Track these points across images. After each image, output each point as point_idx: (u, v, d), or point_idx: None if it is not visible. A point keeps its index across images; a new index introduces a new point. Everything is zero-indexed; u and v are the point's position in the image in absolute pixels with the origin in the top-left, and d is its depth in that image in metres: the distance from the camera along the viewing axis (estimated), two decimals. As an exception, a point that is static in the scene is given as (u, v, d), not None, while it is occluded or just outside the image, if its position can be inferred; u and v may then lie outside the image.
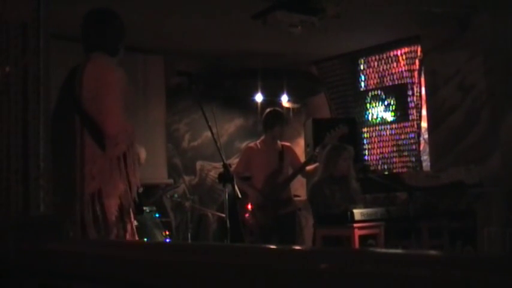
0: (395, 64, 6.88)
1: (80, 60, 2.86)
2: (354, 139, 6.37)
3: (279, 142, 5.03)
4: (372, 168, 6.93)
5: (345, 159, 4.84)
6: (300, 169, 4.94)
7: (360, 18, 5.64)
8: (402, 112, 6.83)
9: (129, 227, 2.75)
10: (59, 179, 2.67)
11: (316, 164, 4.92)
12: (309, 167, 4.94)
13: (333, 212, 4.69)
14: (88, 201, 2.65)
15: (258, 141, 5.09)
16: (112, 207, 2.68)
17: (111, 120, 2.66)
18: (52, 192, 2.50)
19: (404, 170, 6.67)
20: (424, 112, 6.48)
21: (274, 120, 4.98)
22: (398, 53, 6.82)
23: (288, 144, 5.17)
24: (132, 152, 2.73)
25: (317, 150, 4.94)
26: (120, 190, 2.70)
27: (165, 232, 5.59)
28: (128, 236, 2.75)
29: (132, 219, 2.80)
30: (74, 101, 2.72)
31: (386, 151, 6.99)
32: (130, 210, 2.76)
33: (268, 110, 5.12)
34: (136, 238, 2.88)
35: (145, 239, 5.19)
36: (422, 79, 6.51)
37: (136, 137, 2.79)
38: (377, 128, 7.11)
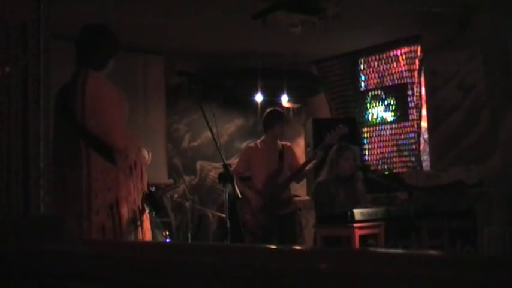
0: (395, 64, 6.87)
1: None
2: (354, 139, 6.37)
3: (279, 142, 5.03)
4: (372, 168, 6.93)
5: (346, 159, 4.84)
6: (299, 170, 4.94)
7: (360, 18, 5.64)
8: (402, 112, 6.82)
9: (139, 230, 2.80)
10: (65, 196, 2.71)
11: (312, 163, 4.92)
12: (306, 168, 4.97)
13: (336, 212, 4.69)
14: (108, 212, 2.71)
15: (258, 141, 5.09)
16: (126, 213, 2.76)
17: (116, 134, 2.74)
18: (59, 210, 2.54)
19: (405, 169, 6.66)
20: (424, 112, 6.48)
21: (274, 120, 4.98)
22: (398, 52, 6.82)
23: (288, 143, 5.17)
24: (140, 159, 2.81)
25: (317, 151, 4.95)
26: (132, 197, 2.78)
27: (165, 232, 5.59)
28: (138, 237, 2.82)
29: (145, 222, 2.85)
30: (74, 121, 2.74)
31: (387, 151, 6.99)
32: (143, 214, 2.84)
33: (268, 109, 5.12)
34: (149, 238, 2.94)
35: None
36: (422, 79, 6.50)
37: (138, 141, 2.86)
38: (377, 128, 7.11)
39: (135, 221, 2.80)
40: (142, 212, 2.85)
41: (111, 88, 2.83)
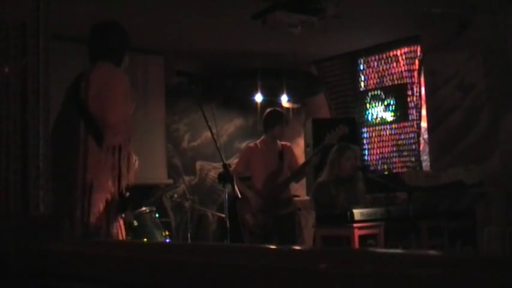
0: (395, 64, 6.87)
1: (81, 61, 2.90)
2: (354, 139, 6.37)
3: (279, 142, 5.03)
4: (371, 168, 6.93)
5: (348, 158, 4.83)
6: (298, 172, 4.95)
7: (359, 18, 5.64)
8: (402, 112, 6.82)
9: (113, 226, 2.73)
10: (60, 178, 2.69)
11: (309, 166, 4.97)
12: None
13: (336, 212, 4.69)
14: (80, 194, 2.66)
15: (258, 141, 5.09)
16: (99, 201, 2.68)
17: (113, 110, 2.72)
18: (53, 192, 2.51)
19: (404, 170, 6.66)
20: (423, 112, 6.48)
21: (274, 120, 4.98)
22: (398, 53, 6.82)
23: (288, 144, 5.17)
24: (128, 146, 2.75)
25: (314, 153, 4.96)
26: (109, 185, 2.70)
27: (165, 232, 5.59)
28: (113, 233, 2.74)
29: (120, 218, 2.79)
30: (79, 103, 2.75)
31: (386, 151, 6.99)
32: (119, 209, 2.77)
33: (268, 110, 5.12)
34: (122, 237, 2.85)
35: (145, 239, 5.18)
36: (422, 79, 6.50)
37: (134, 134, 2.83)
38: (377, 128, 7.11)
39: (108, 213, 2.70)
40: (122, 206, 2.78)
41: (122, 77, 2.83)
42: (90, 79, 2.77)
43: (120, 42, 2.95)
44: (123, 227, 2.82)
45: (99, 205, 2.68)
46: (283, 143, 5.07)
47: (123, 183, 2.73)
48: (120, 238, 2.79)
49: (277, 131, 4.97)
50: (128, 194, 2.75)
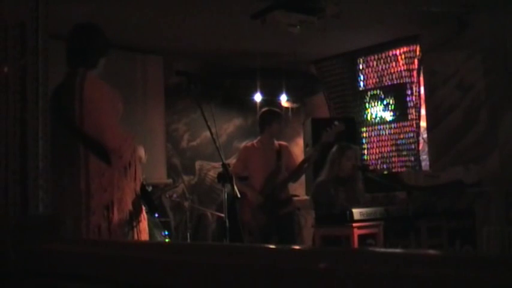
0: (394, 64, 6.88)
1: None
2: (353, 139, 6.37)
3: (275, 142, 5.02)
4: (371, 167, 6.93)
5: (348, 159, 4.83)
6: (297, 171, 4.94)
7: (359, 17, 5.64)
8: (401, 112, 6.83)
9: (135, 231, 2.80)
10: (62, 198, 2.70)
11: (307, 164, 4.96)
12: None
13: (335, 212, 4.69)
14: (104, 213, 2.70)
15: (255, 141, 5.08)
16: (120, 214, 2.74)
17: (109, 134, 2.72)
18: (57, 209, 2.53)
19: (403, 169, 6.67)
20: (423, 111, 6.48)
21: (270, 118, 4.97)
22: (397, 52, 6.82)
23: (285, 143, 5.16)
24: (135, 159, 2.80)
25: (312, 151, 4.96)
26: (127, 198, 2.77)
27: (165, 232, 5.59)
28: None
29: (142, 222, 2.85)
30: (70, 122, 2.74)
31: (386, 151, 6.99)
32: (141, 214, 2.83)
33: (263, 109, 5.12)
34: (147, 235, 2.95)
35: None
36: (421, 79, 6.51)
37: (135, 138, 2.85)
38: (376, 127, 7.11)
39: (130, 222, 2.79)
40: (138, 212, 2.84)
41: (106, 88, 2.82)
42: (73, 97, 2.72)
43: (97, 47, 2.91)
44: (142, 234, 2.88)
45: (121, 217, 2.75)
46: (280, 142, 5.06)
47: (134, 195, 2.79)
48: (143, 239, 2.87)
49: (274, 129, 4.95)
50: (150, 188, 2.84)
